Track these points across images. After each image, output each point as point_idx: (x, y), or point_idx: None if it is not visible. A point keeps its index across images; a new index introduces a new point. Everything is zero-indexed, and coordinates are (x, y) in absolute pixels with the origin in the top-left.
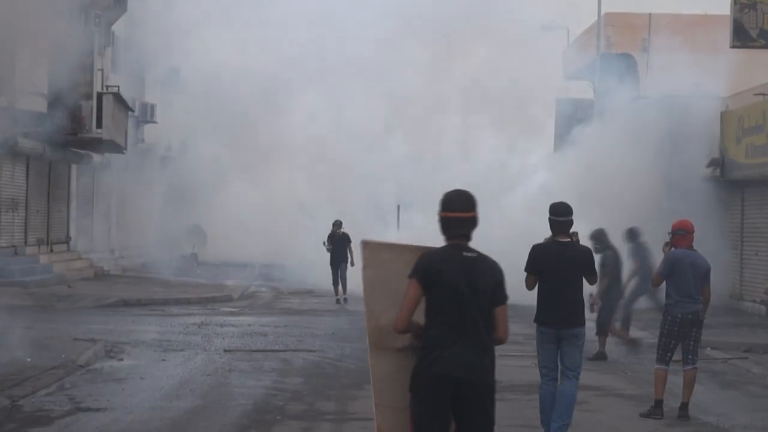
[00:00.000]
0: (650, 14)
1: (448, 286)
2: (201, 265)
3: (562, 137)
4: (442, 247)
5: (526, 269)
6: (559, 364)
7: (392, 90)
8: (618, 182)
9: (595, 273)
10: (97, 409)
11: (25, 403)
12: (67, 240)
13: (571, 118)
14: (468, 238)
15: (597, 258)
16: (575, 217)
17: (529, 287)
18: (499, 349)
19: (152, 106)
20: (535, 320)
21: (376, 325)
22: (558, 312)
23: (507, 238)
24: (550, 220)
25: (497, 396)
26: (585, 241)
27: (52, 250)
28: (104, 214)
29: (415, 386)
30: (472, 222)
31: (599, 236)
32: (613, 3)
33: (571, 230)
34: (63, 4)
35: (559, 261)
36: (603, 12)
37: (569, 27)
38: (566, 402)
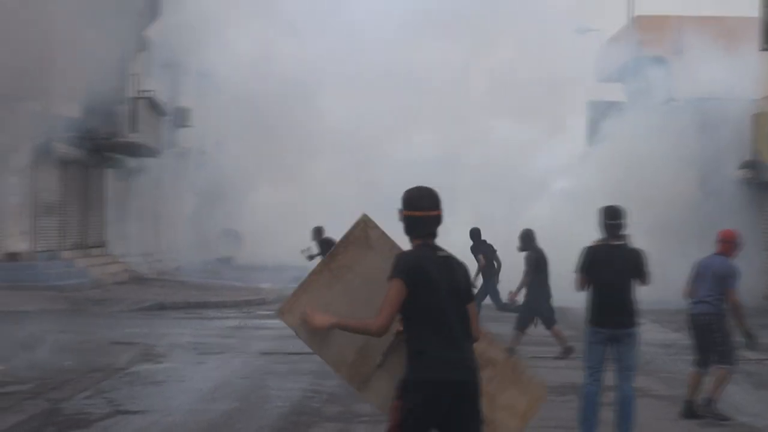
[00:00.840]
0: (681, 17)
1: (433, 286)
2: (235, 268)
3: (593, 140)
4: (417, 247)
5: (578, 270)
6: (615, 366)
7: (419, 90)
8: (650, 184)
9: (646, 274)
10: (136, 412)
11: (65, 406)
12: (102, 244)
13: (603, 121)
14: (435, 236)
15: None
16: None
17: (580, 288)
18: (532, 351)
19: (186, 110)
20: (588, 321)
21: (349, 368)
22: (612, 313)
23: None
24: (602, 223)
25: None
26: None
27: (88, 255)
28: (139, 217)
29: (410, 395)
30: (439, 220)
31: (525, 237)
32: (644, 6)
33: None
34: (98, 10)
35: (612, 263)
36: (634, 14)
37: (601, 29)
38: (628, 404)
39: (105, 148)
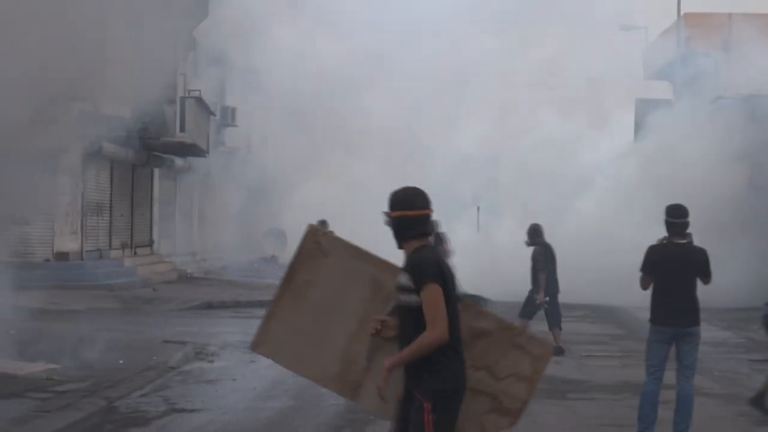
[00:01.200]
0: (730, 14)
1: (451, 289)
2: (281, 267)
3: (640, 137)
4: (428, 248)
5: (642, 269)
6: (676, 365)
7: (465, 85)
8: (698, 181)
9: (710, 274)
10: (192, 410)
11: (121, 404)
12: (150, 243)
13: (650, 118)
14: (429, 236)
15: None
16: (659, 215)
17: (644, 287)
18: (584, 349)
19: (233, 110)
20: (651, 320)
21: (337, 380)
22: (676, 312)
23: (580, 235)
24: (666, 221)
25: (587, 395)
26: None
27: (135, 254)
28: (186, 217)
29: (445, 405)
30: (431, 219)
31: (533, 231)
32: (692, 2)
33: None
34: (147, 9)
35: (676, 262)
36: (682, 12)
37: (648, 26)
38: (688, 402)
39: (153, 147)
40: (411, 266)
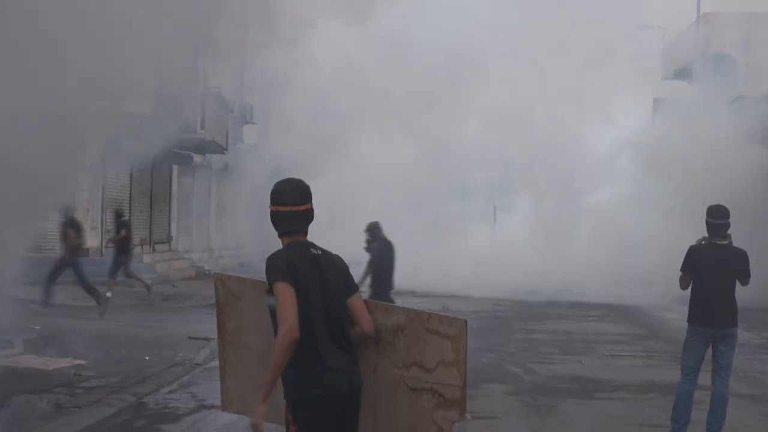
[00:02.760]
0: (749, 14)
1: (310, 285)
2: None
3: (656, 132)
4: (288, 246)
5: (683, 269)
6: (712, 365)
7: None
8: (718, 182)
9: (749, 275)
10: None
11: (150, 400)
12: (168, 240)
13: (667, 117)
14: (305, 233)
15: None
16: (680, 216)
17: (683, 287)
18: (607, 348)
19: (251, 107)
20: (690, 320)
21: None
22: (716, 313)
23: (595, 232)
24: (707, 222)
25: (614, 395)
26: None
27: (154, 250)
28: (204, 213)
29: (303, 416)
30: (307, 215)
31: (372, 229)
32: (711, 2)
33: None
34: (169, 7)
35: (717, 263)
36: (701, 12)
37: (665, 27)
38: (723, 404)
39: (173, 144)
40: (266, 266)
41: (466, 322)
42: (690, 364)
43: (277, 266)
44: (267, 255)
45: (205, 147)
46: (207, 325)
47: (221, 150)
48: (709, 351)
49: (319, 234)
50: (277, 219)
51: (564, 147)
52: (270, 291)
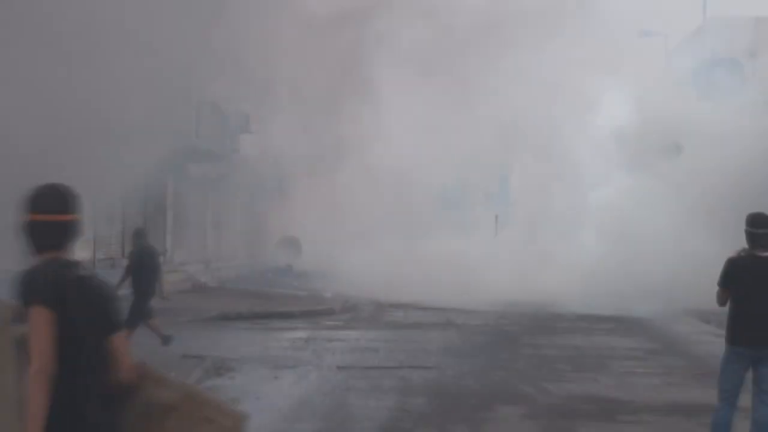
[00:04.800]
0: (756, 18)
1: (76, 314)
2: (295, 275)
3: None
4: (49, 263)
5: (720, 283)
6: (753, 388)
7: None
8: (724, 188)
9: None
10: None
11: None
12: (163, 252)
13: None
14: (64, 250)
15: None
16: (691, 224)
17: (721, 303)
18: (622, 365)
19: (247, 116)
20: (728, 340)
21: None
22: (757, 331)
23: (600, 239)
24: (746, 232)
25: (636, 417)
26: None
27: None
28: (199, 225)
29: None
30: (72, 228)
31: (134, 236)
32: (717, 7)
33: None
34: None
35: (757, 276)
36: (707, 17)
37: (672, 32)
38: (766, 429)
39: (168, 154)
40: (19, 283)
41: (244, 416)
42: (728, 387)
43: (37, 286)
44: (264, 267)
45: (200, 157)
46: (201, 341)
47: (217, 159)
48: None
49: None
50: (33, 230)
51: (561, 147)
52: (19, 317)
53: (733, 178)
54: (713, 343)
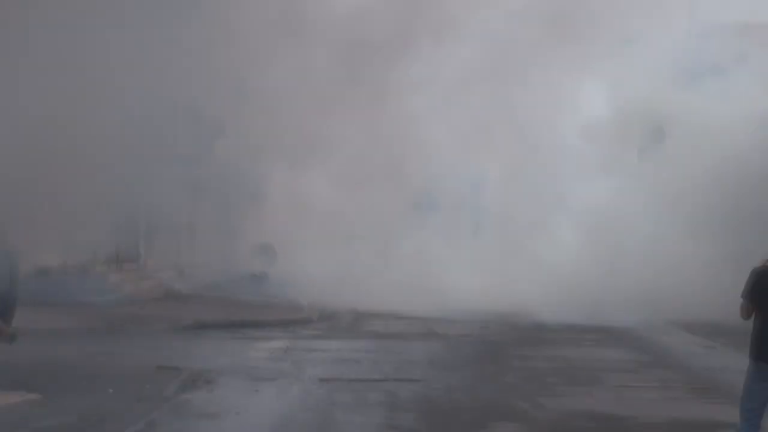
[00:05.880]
0: (746, 23)
1: None
2: (270, 283)
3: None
4: None
5: (743, 295)
6: None
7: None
8: (712, 198)
9: None
10: None
11: None
12: (136, 258)
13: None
14: None
15: None
16: (674, 230)
17: (745, 315)
18: (615, 378)
19: (222, 120)
20: (753, 356)
21: None
22: None
23: (581, 239)
24: None
25: None
26: None
27: (120, 269)
28: (172, 230)
29: None
30: None
31: None
32: (706, 12)
33: None
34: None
35: None
36: (695, 22)
37: (659, 38)
38: None
39: (141, 157)
40: None
41: None
42: (753, 407)
43: None
44: (239, 274)
45: (175, 160)
46: (176, 351)
47: (190, 165)
48: None
49: None
50: None
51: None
52: None
53: (720, 182)
54: (705, 355)
